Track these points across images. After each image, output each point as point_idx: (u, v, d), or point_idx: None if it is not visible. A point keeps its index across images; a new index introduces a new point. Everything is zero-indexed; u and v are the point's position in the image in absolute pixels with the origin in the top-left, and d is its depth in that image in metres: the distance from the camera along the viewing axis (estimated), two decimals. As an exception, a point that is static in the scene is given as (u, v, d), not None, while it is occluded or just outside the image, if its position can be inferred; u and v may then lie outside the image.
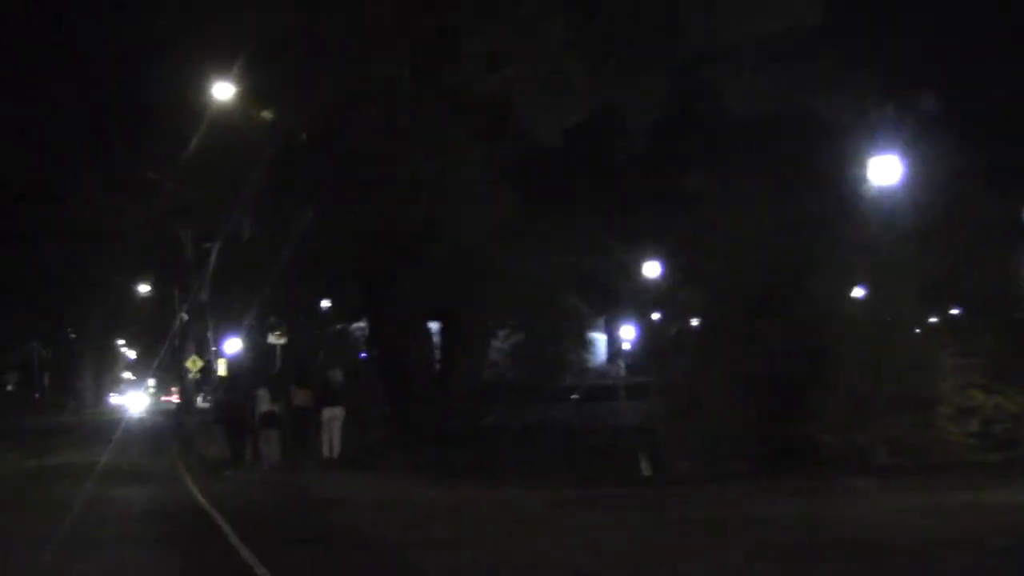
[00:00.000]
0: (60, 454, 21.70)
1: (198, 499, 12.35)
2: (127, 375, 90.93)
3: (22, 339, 48.57)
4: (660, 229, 19.44)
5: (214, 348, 47.68)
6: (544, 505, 11.48)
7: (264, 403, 15.87)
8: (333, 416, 16.17)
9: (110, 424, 38.93)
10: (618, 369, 35.15)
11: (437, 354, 21.23)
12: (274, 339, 20.67)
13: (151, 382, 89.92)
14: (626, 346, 38.44)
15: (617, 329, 38.86)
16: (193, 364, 45.25)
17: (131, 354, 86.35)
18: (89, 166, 36.87)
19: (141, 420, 44.43)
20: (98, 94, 27.67)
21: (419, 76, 17.38)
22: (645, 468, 14.11)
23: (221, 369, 44.38)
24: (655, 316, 25.74)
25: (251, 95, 18.39)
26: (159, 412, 55.32)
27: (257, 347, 36.27)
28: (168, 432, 31.17)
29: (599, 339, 39.65)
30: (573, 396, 24.28)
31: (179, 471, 16.75)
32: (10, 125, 31.30)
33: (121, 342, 78.05)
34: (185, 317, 53.88)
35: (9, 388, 47.48)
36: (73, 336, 60.21)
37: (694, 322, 18.16)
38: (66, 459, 19.91)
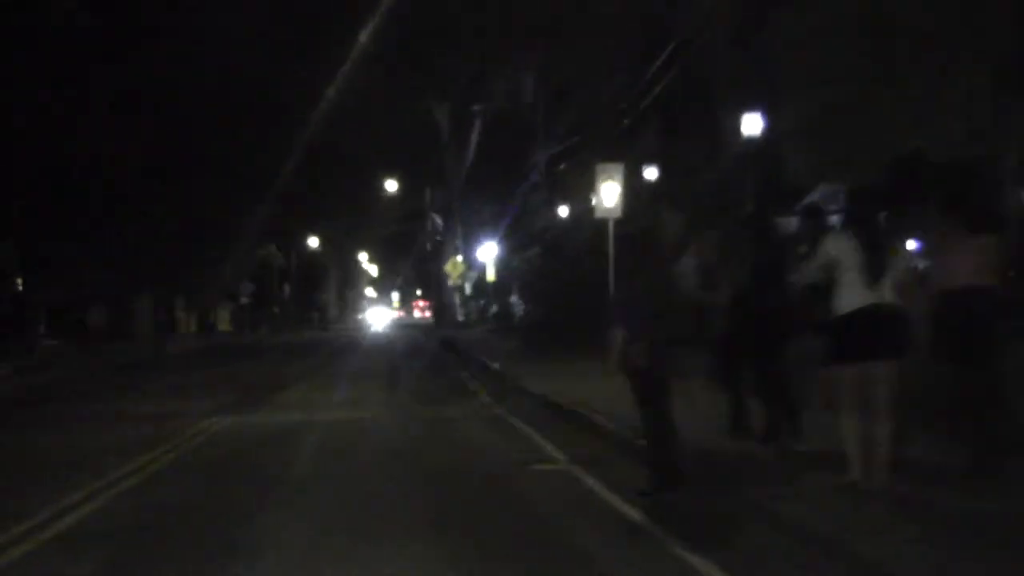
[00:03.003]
0: (283, 398, 12.71)
1: None
2: (369, 291, 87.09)
3: (258, 243, 41.02)
4: None
5: (460, 257, 39.40)
6: None
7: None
8: None
9: (359, 343, 31.74)
10: None
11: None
12: (605, 210, 11.33)
13: (395, 295, 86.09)
14: None
15: None
16: (453, 268, 37.36)
17: (372, 270, 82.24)
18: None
19: (391, 337, 37.08)
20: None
21: None
22: None
23: (490, 274, 36.53)
24: None
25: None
26: (409, 327, 48.64)
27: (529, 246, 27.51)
28: (436, 353, 22.83)
29: None
30: None
31: (590, 487, 6.32)
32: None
33: (363, 256, 73.23)
34: (439, 220, 46.37)
35: (243, 301, 40.86)
36: (315, 244, 54.16)
37: None
38: (297, 415, 10.51)
